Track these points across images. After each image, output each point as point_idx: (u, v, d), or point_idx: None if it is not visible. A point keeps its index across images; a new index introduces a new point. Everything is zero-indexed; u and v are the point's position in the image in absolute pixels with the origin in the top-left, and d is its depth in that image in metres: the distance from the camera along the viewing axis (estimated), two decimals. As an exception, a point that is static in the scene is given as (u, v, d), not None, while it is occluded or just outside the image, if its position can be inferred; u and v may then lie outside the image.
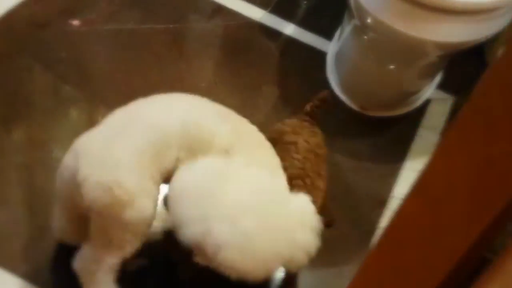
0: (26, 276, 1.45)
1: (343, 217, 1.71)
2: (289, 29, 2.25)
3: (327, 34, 2.23)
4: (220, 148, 1.33)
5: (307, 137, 1.50)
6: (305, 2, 2.37)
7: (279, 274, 1.50)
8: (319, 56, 2.17)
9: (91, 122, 1.69)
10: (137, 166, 1.26)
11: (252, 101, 2.01)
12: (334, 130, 1.94)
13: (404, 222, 0.67)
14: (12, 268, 1.45)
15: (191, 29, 2.18)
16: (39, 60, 1.91)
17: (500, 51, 0.81)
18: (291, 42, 2.22)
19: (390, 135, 2.02)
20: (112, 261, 1.33)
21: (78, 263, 1.36)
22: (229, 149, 1.33)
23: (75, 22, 2.04)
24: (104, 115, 1.77)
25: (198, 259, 1.21)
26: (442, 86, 2.14)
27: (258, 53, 2.17)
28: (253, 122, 1.92)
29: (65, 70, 1.91)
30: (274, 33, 2.23)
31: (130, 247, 1.31)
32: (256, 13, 2.27)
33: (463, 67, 2.09)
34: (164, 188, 1.36)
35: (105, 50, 2.02)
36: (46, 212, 1.49)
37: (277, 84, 2.08)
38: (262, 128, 1.90)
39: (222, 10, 2.25)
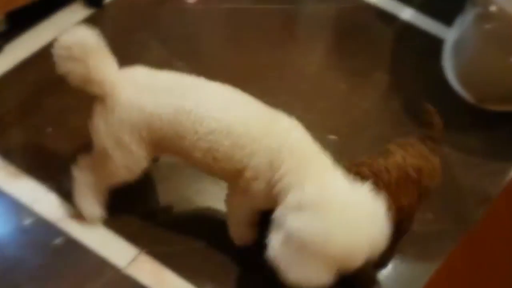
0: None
1: (444, 210, 1.66)
2: (406, 13, 2.18)
3: (447, 20, 2.14)
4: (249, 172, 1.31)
5: (407, 154, 1.37)
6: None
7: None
8: (436, 44, 2.09)
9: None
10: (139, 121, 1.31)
11: (360, 87, 1.97)
12: (445, 121, 1.87)
13: (493, 220, 0.65)
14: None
15: (305, 11, 2.18)
16: (156, 35, 1.98)
17: None
18: (407, 27, 2.15)
19: (506, 131, 1.92)
20: (99, 183, 1.43)
21: (75, 171, 1.45)
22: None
23: (192, 0, 2.10)
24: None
25: None
26: None
27: (372, 37, 2.13)
28: (359, 110, 1.91)
29: (179, 46, 1.96)
30: (390, 17, 2.17)
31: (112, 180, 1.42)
32: (373, -4, 2.23)
33: None
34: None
35: (218, 28, 2.06)
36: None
37: (388, 71, 2.03)
38: (368, 117, 1.89)
39: (337, -8, 2.23)
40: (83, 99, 1.39)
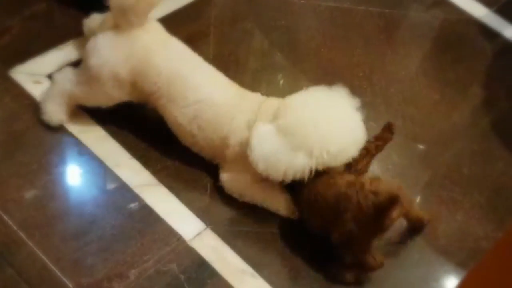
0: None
1: None
2: (510, 31, 2.00)
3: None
4: None
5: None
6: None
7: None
8: (538, 66, 1.89)
9: (290, 89, 1.66)
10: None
11: (452, 99, 1.82)
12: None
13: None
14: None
15: (406, 17, 2.04)
16: (259, 25, 1.92)
17: None
18: (510, 46, 1.97)
19: None
20: (75, 97, 1.45)
21: (57, 74, 1.49)
22: None
23: (297, -5, 2.02)
24: (302, 85, 1.75)
25: None
26: None
27: (471, 52, 1.96)
28: (448, 120, 1.76)
29: (279, 37, 1.90)
30: (492, 34, 2.01)
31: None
32: (479, 11, 2.06)
33: None
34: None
35: (318, 24, 1.96)
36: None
37: (483, 86, 1.86)
38: (455, 131, 1.73)
39: (443, 3, 2.08)
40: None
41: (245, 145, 1.36)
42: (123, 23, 1.38)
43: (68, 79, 1.46)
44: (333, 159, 1.31)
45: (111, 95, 1.42)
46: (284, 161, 1.29)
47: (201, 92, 1.39)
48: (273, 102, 1.41)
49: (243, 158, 1.36)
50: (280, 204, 1.43)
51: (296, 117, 1.32)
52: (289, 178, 1.32)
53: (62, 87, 1.46)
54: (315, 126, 1.30)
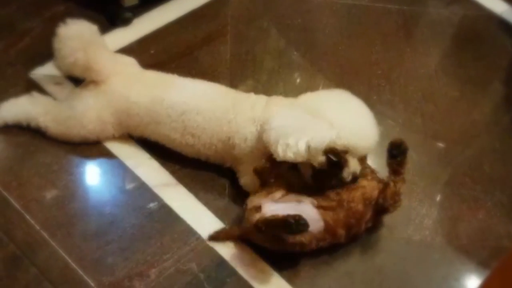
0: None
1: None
2: (530, 27, 2.01)
3: None
4: None
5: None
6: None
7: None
8: (561, 61, 1.89)
9: (307, 88, 1.69)
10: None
11: (472, 96, 1.83)
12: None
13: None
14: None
15: (425, 14, 2.06)
16: (276, 24, 1.95)
17: None
18: (531, 41, 1.98)
19: None
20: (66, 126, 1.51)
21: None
22: None
23: (314, -8, 2.04)
24: (320, 84, 1.78)
25: None
26: None
27: (491, 48, 1.97)
28: (469, 118, 1.77)
29: (295, 36, 1.92)
30: (513, 29, 2.01)
31: None
32: (499, 6, 2.07)
33: None
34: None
35: (335, 22, 1.99)
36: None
37: (504, 83, 1.87)
38: (476, 128, 1.75)
39: (463, -1, 2.09)
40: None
41: (251, 141, 1.42)
42: (96, 77, 1.47)
43: (43, 110, 1.50)
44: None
45: (98, 135, 1.51)
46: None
47: (182, 104, 1.45)
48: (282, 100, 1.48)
49: (253, 156, 1.42)
50: None
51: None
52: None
53: (33, 115, 1.50)
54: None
